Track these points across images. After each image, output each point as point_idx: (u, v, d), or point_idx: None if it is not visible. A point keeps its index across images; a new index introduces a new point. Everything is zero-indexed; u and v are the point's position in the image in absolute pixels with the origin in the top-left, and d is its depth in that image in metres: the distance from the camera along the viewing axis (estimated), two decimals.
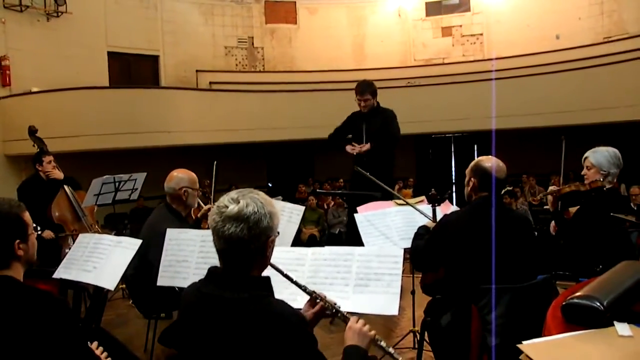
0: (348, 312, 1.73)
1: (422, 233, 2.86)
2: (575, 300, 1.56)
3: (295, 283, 1.78)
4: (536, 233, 6.23)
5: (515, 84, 10.15)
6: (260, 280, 1.52)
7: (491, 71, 10.19)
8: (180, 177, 3.25)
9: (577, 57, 10.69)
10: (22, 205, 1.72)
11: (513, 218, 2.69)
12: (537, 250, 2.73)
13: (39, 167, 4.49)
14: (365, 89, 4.65)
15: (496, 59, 11.36)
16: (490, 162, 2.60)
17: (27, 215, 1.72)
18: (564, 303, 1.59)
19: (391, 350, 1.64)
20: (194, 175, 3.31)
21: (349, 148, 4.66)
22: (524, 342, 1.37)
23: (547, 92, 9.82)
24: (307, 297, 1.83)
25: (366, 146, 4.56)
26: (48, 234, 4.24)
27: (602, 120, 9.31)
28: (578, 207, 3.44)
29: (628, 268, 1.82)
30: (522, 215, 3.25)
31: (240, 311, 1.43)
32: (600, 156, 3.26)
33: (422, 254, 2.69)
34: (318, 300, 1.76)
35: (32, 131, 4.69)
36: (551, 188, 3.70)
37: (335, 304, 1.75)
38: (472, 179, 2.62)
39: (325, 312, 1.76)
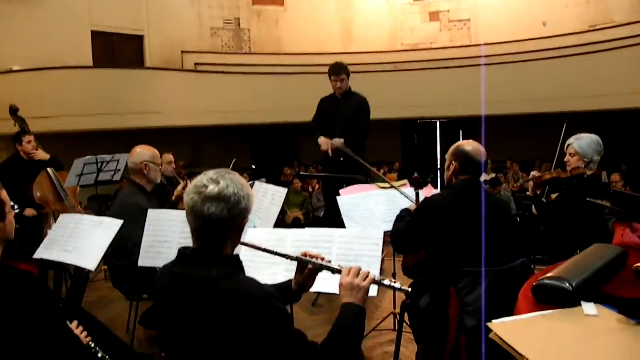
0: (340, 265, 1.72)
1: (404, 215, 2.86)
2: (546, 281, 1.60)
3: (278, 253, 1.82)
4: (519, 219, 6.33)
5: (501, 71, 10.19)
6: (231, 258, 1.55)
7: (478, 57, 10.20)
8: (142, 152, 3.35)
9: (563, 45, 10.76)
10: None
11: (493, 203, 2.72)
12: (516, 234, 2.76)
13: (19, 147, 4.46)
14: (340, 69, 4.60)
15: (484, 44, 11.37)
16: (471, 145, 2.60)
17: (4, 194, 1.70)
18: (534, 284, 1.63)
19: (397, 285, 1.66)
20: (156, 151, 3.41)
21: (322, 141, 4.55)
22: (494, 321, 1.41)
23: (532, 79, 9.89)
24: (289, 276, 1.86)
25: (339, 141, 4.45)
26: (30, 211, 4.21)
27: (587, 108, 9.41)
28: (558, 194, 3.49)
29: (599, 250, 1.87)
30: (502, 200, 3.28)
31: (210, 289, 1.46)
32: (584, 143, 3.30)
33: (404, 235, 2.70)
34: (305, 264, 1.79)
35: (14, 110, 4.64)
36: (533, 174, 3.75)
37: (323, 259, 1.77)
38: (454, 162, 2.60)
39: (317, 270, 1.79)
